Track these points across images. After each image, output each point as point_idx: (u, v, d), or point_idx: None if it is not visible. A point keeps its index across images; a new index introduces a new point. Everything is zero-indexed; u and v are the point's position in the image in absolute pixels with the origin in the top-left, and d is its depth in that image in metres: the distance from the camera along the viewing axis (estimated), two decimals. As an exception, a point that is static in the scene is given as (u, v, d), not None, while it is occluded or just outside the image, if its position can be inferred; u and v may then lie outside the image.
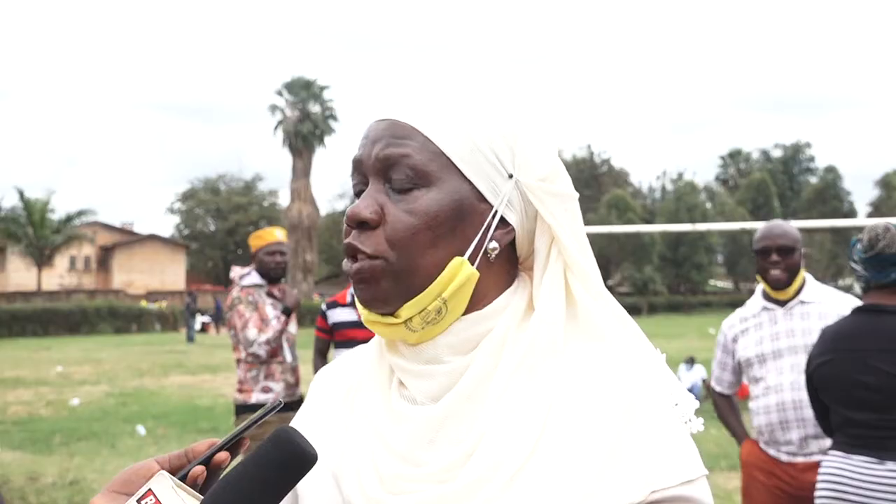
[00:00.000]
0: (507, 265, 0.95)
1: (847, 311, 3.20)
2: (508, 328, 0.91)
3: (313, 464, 0.83)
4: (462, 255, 0.90)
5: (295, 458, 0.81)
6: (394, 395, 0.94)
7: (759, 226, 3.62)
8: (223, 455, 0.86)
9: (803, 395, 3.15)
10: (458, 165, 0.90)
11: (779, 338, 3.34)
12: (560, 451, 0.84)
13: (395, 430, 0.90)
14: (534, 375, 0.88)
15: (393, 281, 0.90)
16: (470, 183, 0.90)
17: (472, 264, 0.90)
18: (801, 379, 3.17)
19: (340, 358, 1.07)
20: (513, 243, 0.95)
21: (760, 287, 3.50)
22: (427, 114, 0.92)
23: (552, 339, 0.90)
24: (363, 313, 0.94)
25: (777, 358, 3.32)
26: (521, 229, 0.94)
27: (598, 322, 0.93)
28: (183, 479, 0.84)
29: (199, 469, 0.84)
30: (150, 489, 0.80)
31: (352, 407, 0.98)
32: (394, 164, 0.90)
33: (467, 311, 0.91)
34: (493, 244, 0.91)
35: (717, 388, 3.68)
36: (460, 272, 0.89)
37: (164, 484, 0.80)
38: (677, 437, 0.86)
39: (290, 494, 1.02)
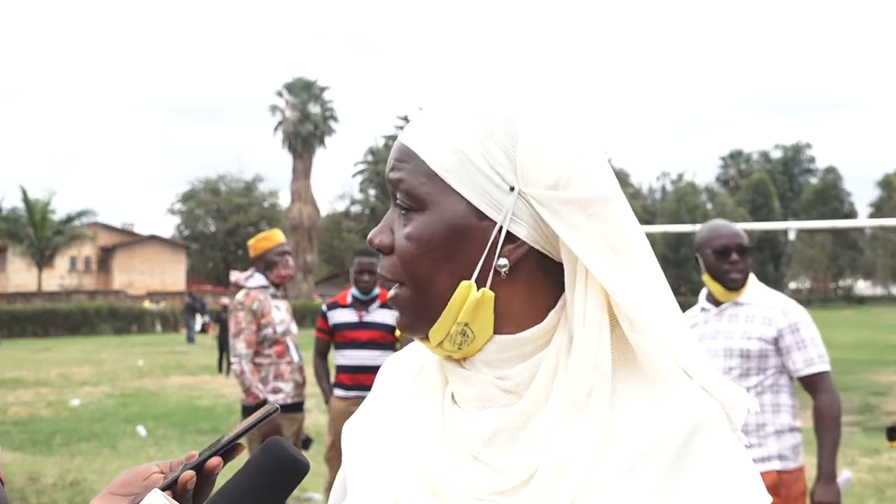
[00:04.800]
0: (541, 277, 0.88)
1: (779, 313, 3.14)
2: (559, 358, 0.86)
3: (305, 473, 0.83)
4: (470, 275, 0.86)
5: (287, 468, 0.82)
6: (448, 398, 0.92)
7: (760, 227, 3.54)
8: (215, 461, 0.86)
9: None
10: (450, 184, 0.86)
11: (704, 339, 3.22)
12: (609, 490, 0.81)
13: (444, 434, 0.90)
14: (583, 411, 0.84)
15: (412, 307, 0.89)
16: (467, 201, 0.86)
17: (485, 283, 0.86)
18: None
19: (413, 345, 1.05)
20: (542, 256, 0.87)
21: (706, 289, 3.37)
22: (421, 133, 0.89)
23: (591, 373, 0.83)
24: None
25: None
26: (543, 240, 0.86)
27: (648, 355, 0.85)
28: (173, 483, 0.84)
29: (188, 474, 0.84)
30: None
31: (418, 390, 0.96)
32: (395, 189, 0.90)
33: (502, 330, 0.87)
34: (503, 261, 0.85)
35: None
36: (469, 296, 0.85)
37: (157, 502, 0.81)
38: (740, 475, 0.83)
39: (341, 486, 1.02)
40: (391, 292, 0.92)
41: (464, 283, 0.86)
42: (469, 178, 0.86)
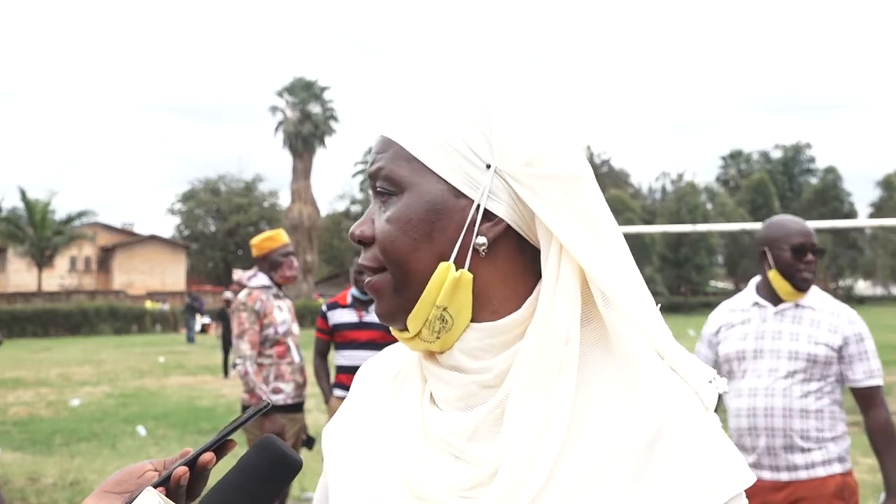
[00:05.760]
0: (520, 260, 0.89)
1: (845, 322, 3.09)
2: (534, 345, 0.86)
3: (298, 470, 0.83)
4: (448, 255, 0.87)
5: (279, 466, 0.82)
6: (426, 399, 0.93)
7: (760, 226, 3.45)
8: (208, 456, 0.87)
9: (775, 403, 3.05)
10: (428, 165, 0.88)
11: (764, 337, 3.14)
12: (580, 478, 0.82)
13: (425, 436, 0.90)
14: (546, 395, 0.84)
15: (393, 293, 0.89)
16: (445, 181, 0.87)
17: (464, 263, 0.87)
18: (778, 385, 3.07)
19: (391, 347, 1.06)
20: (521, 239, 0.88)
21: (755, 282, 3.29)
22: (398, 121, 0.91)
23: (556, 354, 0.84)
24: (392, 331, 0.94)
25: (757, 358, 3.13)
26: (521, 220, 0.87)
27: (619, 335, 0.86)
28: (167, 479, 0.85)
29: (181, 469, 0.85)
30: None
31: (397, 394, 0.97)
32: (375, 178, 0.91)
33: (480, 315, 0.88)
34: (481, 239, 0.86)
35: None
36: (448, 276, 0.86)
37: (151, 500, 0.81)
38: (715, 458, 0.83)
39: (323, 491, 1.02)
40: (369, 280, 0.92)
41: (442, 265, 0.87)
42: (447, 159, 0.87)
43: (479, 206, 0.87)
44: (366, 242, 0.91)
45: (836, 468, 3.09)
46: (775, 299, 3.20)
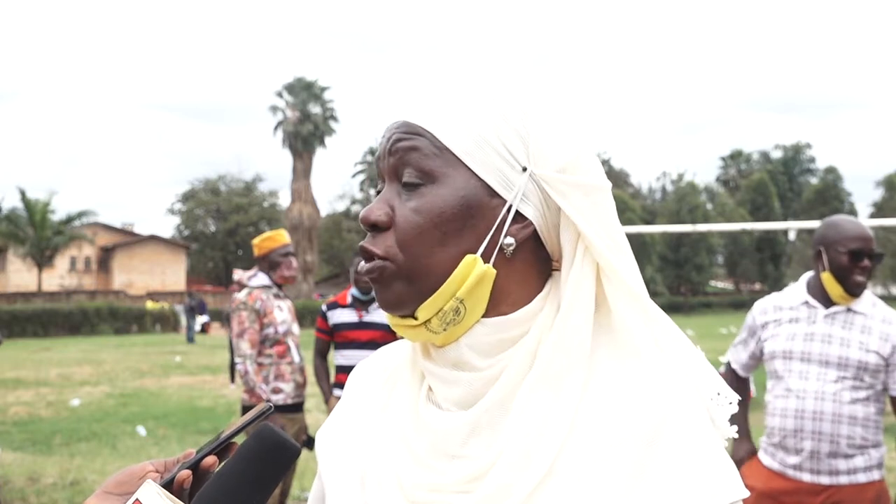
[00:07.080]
0: (534, 263, 0.90)
1: (893, 329, 3.02)
2: (540, 339, 0.87)
3: (296, 457, 0.84)
4: (475, 251, 0.86)
5: (278, 453, 0.82)
6: (422, 399, 0.92)
7: (760, 227, 3.39)
8: (211, 459, 0.86)
9: (825, 407, 2.99)
10: (464, 160, 0.87)
11: (813, 339, 3.07)
12: (580, 472, 0.82)
13: (420, 436, 0.89)
14: (555, 390, 0.84)
15: (405, 282, 0.88)
16: (479, 178, 0.87)
17: (488, 261, 0.87)
18: (828, 389, 3.00)
19: (384, 348, 1.06)
20: (539, 241, 0.90)
21: (805, 278, 3.22)
22: (433, 111, 0.90)
23: (574, 350, 0.85)
24: (387, 317, 0.92)
25: (805, 361, 3.06)
26: (544, 224, 0.88)
27: (632, 333, 0.87)
28: (170, 483, 0.84)
29: (185, 473, 0.85)
30: (137, 498, 0.82)
31: (388, 396, 0.96)
32: (401, 163, 0.89)
33: (490, 313, 0.88)
34: (509, 240, 0.87)
35: (733, 366, 3.32)
36: (473, 270, 0.86)
37: (150, 491, 0.81)
38: (710, 462, 0.82)
39: (318, 493, 1.02)
40: (372, 264, 0.89)
41: (469, 257, 0.87)
42: (483, 157, 0.88)
43: (510, 207, 0.87)
44: (380, 228, 0.89)
45: (875, 475, 3.07)
46: (826, 301, 3.13)
